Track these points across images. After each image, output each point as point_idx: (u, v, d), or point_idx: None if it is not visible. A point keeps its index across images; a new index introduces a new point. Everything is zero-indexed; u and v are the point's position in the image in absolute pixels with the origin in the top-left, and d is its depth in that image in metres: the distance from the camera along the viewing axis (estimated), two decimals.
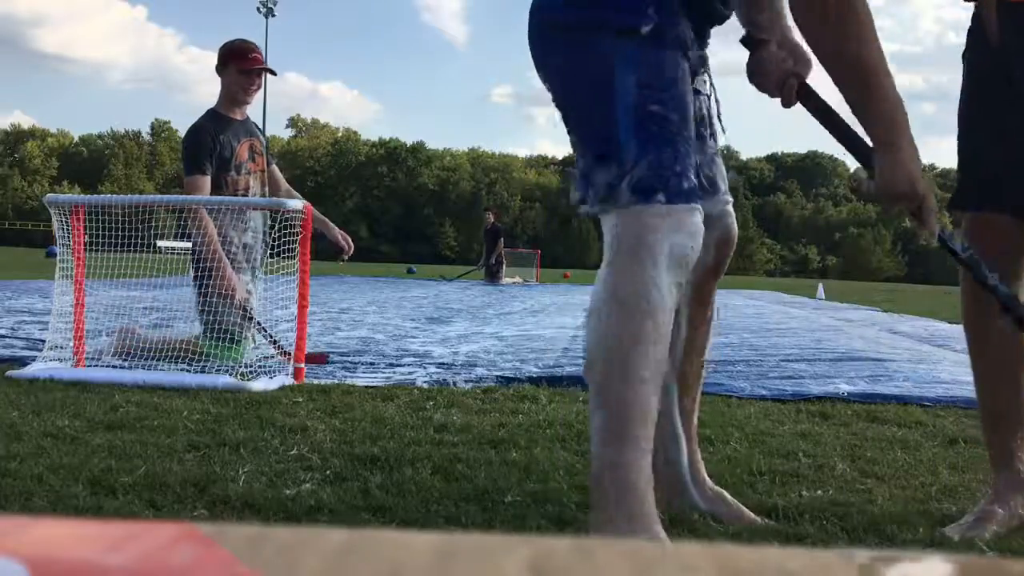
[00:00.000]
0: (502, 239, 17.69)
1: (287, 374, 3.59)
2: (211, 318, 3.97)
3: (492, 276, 17.23)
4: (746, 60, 2.94)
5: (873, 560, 0.26)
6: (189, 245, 4.17)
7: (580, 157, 1.63)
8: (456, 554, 0.26)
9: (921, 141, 1.76)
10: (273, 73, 4.46)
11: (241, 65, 4.26)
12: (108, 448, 2.29)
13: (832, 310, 11.20)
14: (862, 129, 1.69)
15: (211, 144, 4.14)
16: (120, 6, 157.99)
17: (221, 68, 4.30)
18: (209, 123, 4.23)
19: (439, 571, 0.25)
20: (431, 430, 2.66)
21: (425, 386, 3.61)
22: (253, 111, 4.59)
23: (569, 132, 1.68)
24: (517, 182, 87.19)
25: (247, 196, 4.25)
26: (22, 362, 3.78)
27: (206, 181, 4.11)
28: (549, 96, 1.76)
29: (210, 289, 3.98)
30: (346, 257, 4.58)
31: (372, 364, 4.29)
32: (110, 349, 3.96)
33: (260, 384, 3.36)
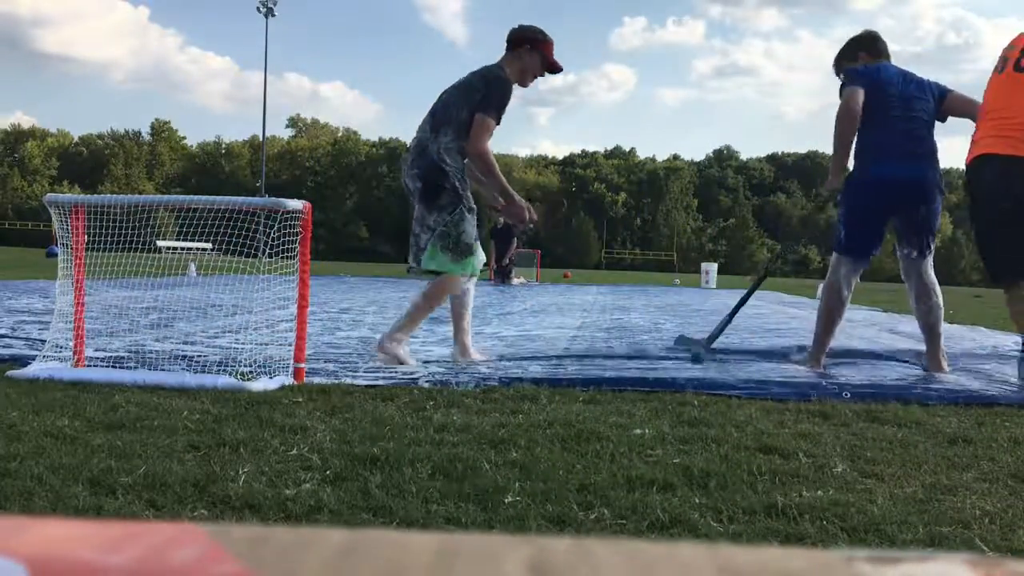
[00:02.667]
0: (516, 239, 17.31)
1: (287, 374, 3.59)
2: (455, 231, 4.20)
3: (503, 277, 16.84)
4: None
5: (873, 560, 0.26)
6: (189, 245, 4.21)
7: None
8: (456, 554, 0.26)
9: None
10: (559, 70, 4.45)
11: (550, 57, 4.33)
12: (108, 448, 2.29)
13: None
14: None
15: (507, 104, 4.27)
16: (122, 6, 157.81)
17: (529, 50, 4.32)
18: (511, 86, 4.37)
19: (439, 571, 0.25)
20: (431, 430, 2.67)
21: (425, 386, 3.61)
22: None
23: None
24: (517, 182, 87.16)
25: None
26: (22, 362, 3.78)
27: (495, 128, 4.25)
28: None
29: (461, 204, 4.23)
30: (532, 224, 4.69)
31: (372, 364, 4.29)
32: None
33: (260, 384, 3.36)
